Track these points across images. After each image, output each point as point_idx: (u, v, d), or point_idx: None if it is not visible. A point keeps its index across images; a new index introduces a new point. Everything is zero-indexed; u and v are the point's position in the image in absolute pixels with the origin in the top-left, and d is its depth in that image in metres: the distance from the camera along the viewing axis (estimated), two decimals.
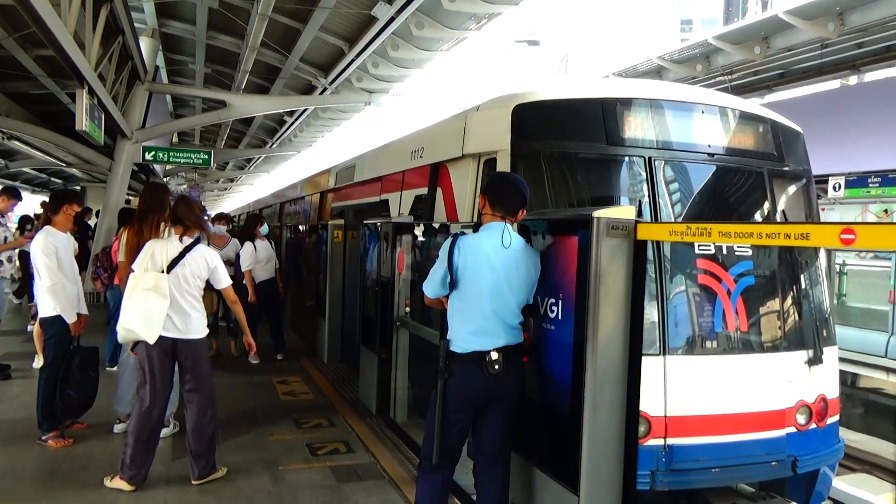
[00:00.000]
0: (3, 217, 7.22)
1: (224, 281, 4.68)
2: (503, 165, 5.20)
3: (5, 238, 7.08)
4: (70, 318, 5.00)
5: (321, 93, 15.55)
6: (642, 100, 5.19)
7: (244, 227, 8.89)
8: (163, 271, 4.27)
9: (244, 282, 8.09)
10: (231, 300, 4.89)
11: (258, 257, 8.15)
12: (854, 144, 12.86)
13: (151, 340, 4.19)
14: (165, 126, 15.86)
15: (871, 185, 13.45)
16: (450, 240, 3.16)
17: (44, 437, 4.96)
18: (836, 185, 13.38)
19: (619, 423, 2.83)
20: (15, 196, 7.42)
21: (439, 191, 6.21)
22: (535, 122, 5.22)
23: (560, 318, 3.05)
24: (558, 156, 5.12)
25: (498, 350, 3.09)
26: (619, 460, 2.83)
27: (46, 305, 4.99)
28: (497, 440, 3.23)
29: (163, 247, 4.37)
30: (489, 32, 12.07)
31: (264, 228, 8.45)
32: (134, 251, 4.89)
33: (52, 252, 4.97)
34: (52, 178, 29.67)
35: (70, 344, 5.12)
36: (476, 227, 4.64)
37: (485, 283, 3.11)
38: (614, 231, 2.77)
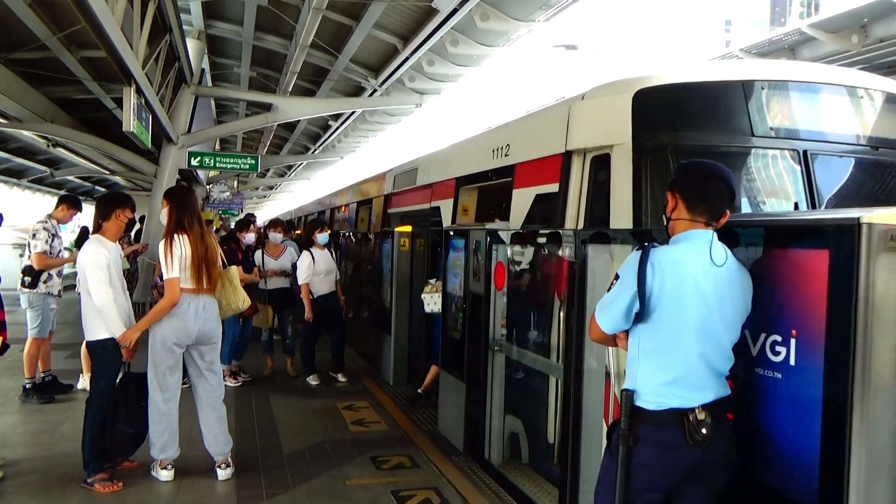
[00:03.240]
0: (59, 228, 6.60)
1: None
2: (621, 163, 4.40)
3: (60, 251, 6.46)
4: (118, 332, 4.32)
5: (370, 94, 14.89)
6: (794, 83, 4.32)
7: (304, 233, 8.08)
8: None
9: (301, 296, 7.39)
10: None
11: (316, 269, 7.39)
12: None
13: None
14: (211, 130, 15.39)
15: None
16: (637, 254, 2.33)
17: (90, 480, 4.26)
18: None
19: None
20: (75, 206, 6.79)
21: (530, 194, 5.41)
22: (661, 110, 4.39)
23: (794, 362, 2.19)
24: (691, 151, 4.27)
25: (705, 407, 2.25)
26: None
27: (97, 327, 4.31)
28: None
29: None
30: (553, 26, 11.20)
31: (323, 237, 7.61)
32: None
33: (104, 264, 4.29)
34: (97, 187, 29.71)
35: (121, 370, 4.44)
36: (596, 238, 3.82)
37: (691, 316, 2.27)
38: (894, 243, 1.93)
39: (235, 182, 30.84)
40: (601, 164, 4.67)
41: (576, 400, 3.49)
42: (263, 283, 7.70)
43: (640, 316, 2.28)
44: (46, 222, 6.44)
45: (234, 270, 4.78)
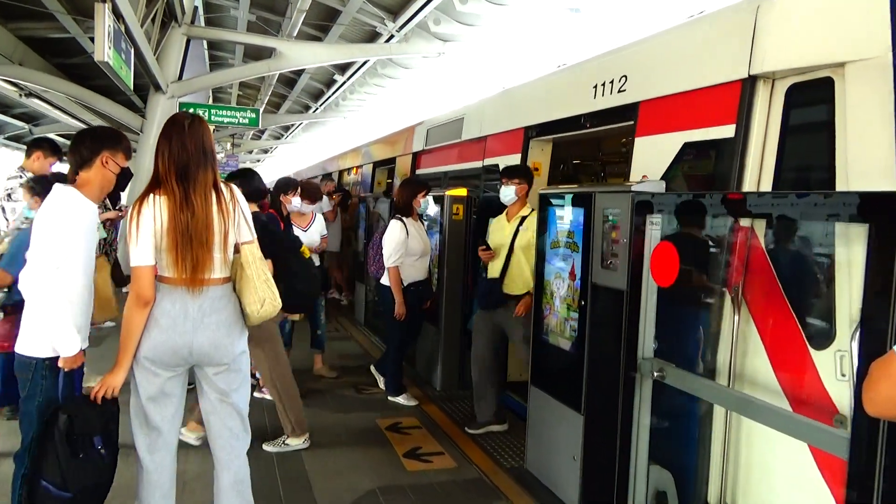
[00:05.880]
0: None
1: None
2: (862, 89, 2.80)
3: None
4: (70, 350, 2.73)
5: (387, 41, 13.09)
6: None
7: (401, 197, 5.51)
8: None
9: (382, 281, 5.49)
10: None
11: (410, 248, 5.33)
12: None
13: None
14: (206, 78, 13.58)
15: None
16: None
17: None
18: None
19: None
20: (54, 153, 5.08)
21: (670, 143, 3.81)
22: None
23: None
24: None
25: None
26: None
27: (37, 334, 2.72)
28: None
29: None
30: None
31: (425, 203, 5.56)
32: None
33: (82, 232, 2.74)
34: None
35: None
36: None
37: None
38: None
39: (229, 144, 29.01)
40: (811, 93, 3.09)
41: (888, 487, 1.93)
42: None
43: None
44: (20, 177, 4.79)
45: (248, 251, 2.82)
